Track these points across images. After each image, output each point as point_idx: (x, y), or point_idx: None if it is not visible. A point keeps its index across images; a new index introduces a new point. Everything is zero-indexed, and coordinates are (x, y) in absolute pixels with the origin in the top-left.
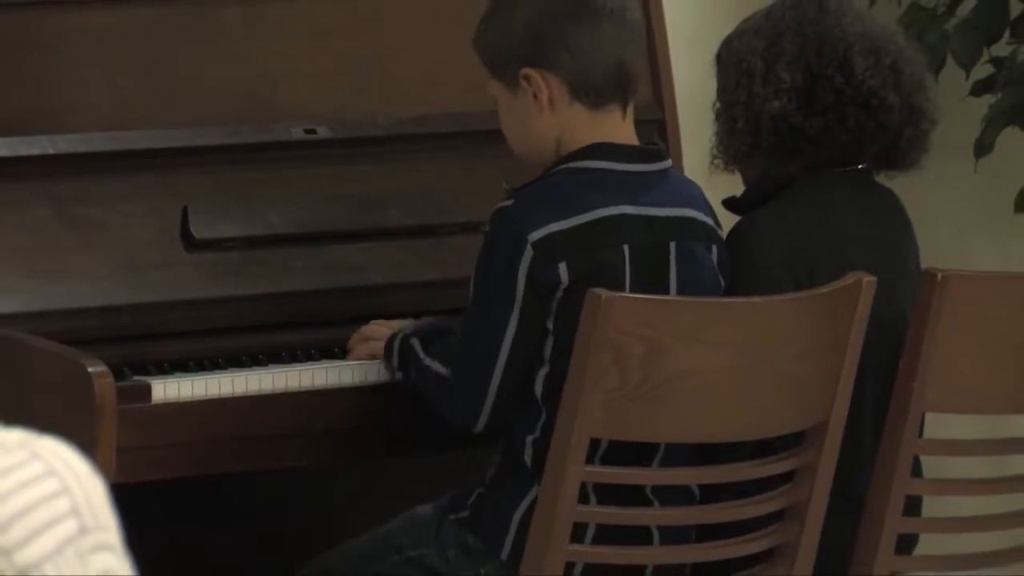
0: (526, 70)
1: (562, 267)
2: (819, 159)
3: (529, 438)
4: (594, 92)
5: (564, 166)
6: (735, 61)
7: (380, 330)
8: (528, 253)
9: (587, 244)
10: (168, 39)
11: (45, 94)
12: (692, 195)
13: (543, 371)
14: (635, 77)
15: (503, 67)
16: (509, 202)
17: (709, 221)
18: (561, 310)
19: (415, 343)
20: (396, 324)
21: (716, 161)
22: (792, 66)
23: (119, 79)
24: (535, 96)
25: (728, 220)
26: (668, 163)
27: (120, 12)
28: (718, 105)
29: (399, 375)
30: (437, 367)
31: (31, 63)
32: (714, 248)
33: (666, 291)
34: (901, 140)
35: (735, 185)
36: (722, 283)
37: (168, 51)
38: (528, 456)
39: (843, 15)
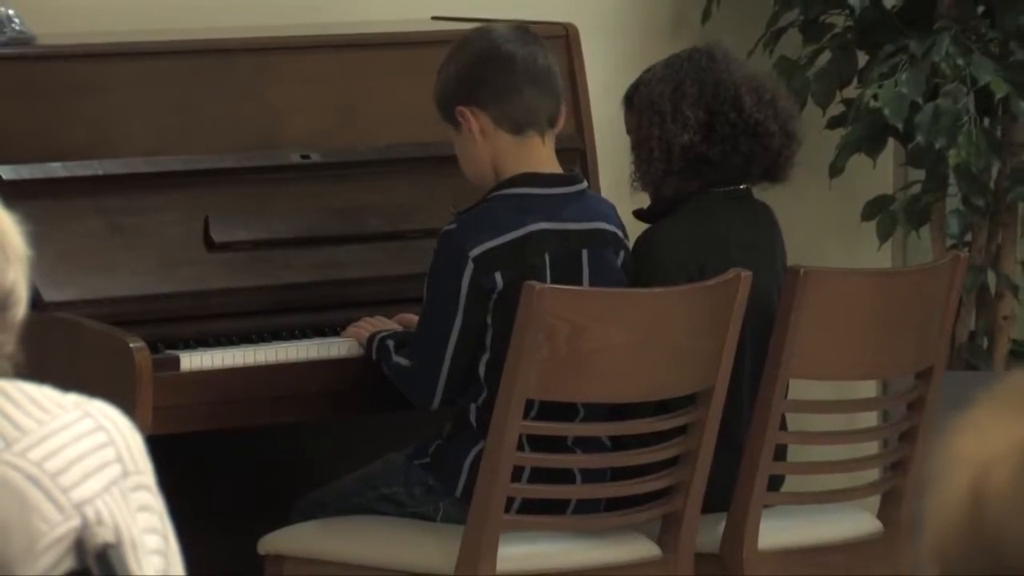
0: (460, 108)
1: (498, 275)
2: (717, 179)
3: (473, 406)
4: (512, 121)
5: (497, 193)
6: (647, 104)
7: (366, 326)
8: (470, 266)
9: (517, 255)
10: (193, 84)
11: (96, 127)
12: (604, 211)
13: (485, 357)
14: (546, 109)
15: (446, 110)
16: (453, 225)
17: (618, 232)
18: (497, 308)
19: (389, 344)
20: (379, 324)
21: (635, 184)
22: (695, 106)
23: (155, 115)
24: (469, 128)
25: (638, 227)
26: (584, 185)
27: (156, 62)
28: (633, 140)
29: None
30: (403, 362)
31: (86, 103)
32: (621, 253)
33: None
34: (780, 159)
35: (644, 199)
36: (626, 281)
37: (193, 93)
38: (473, 419)
39: (729, 62)
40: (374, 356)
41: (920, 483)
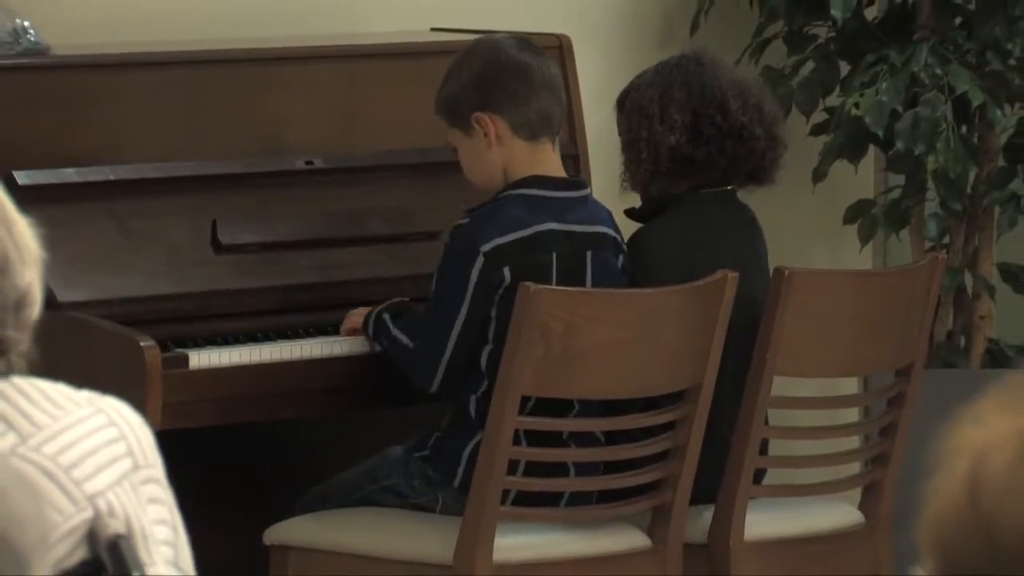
0: (476, 114)
1: (506, 270)
2: (703, 180)
3: (473, 397)
4: (528, 127)
5: (507, 193)
6: (636, 107)
7: (361, 312)
8: (480, 260)
9: (525, 252)
10: (201, 92)
11: (108, 134)
12: (604, 216)
13: (487, 348)
14: (557, 116)
15: (458, 115)
16: (465, 220)
17: (617, 236)
18: (502, 302)
19: (386, 316)
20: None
21: (624, 184)
22: (682, 109)
23: (164, 122)
24: (485, 134)
25: (630, 227)
26: (588, 190)
27: (165, 72)
28: (623, 141)
29: (375, 346)
30: (404, 339)
31: (98, 111)
32: (620, 256)
33: (583, 287)
34: (765, 162)
35: (634, 203)
36: (626, 283)
37: (202, 101)
38: (473, 410)
39: (716, 67)
40: (371, 333)
41: (922, 471)
